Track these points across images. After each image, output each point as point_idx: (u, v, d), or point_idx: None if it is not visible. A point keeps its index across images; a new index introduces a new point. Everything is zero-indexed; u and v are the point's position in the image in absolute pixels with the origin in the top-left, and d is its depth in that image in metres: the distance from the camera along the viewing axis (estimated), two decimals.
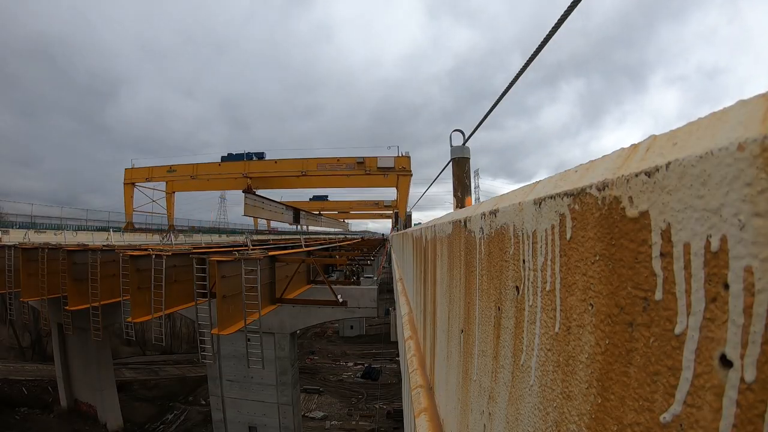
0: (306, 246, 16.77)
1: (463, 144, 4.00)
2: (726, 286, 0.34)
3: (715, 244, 0.35)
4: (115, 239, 22.52)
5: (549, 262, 0.68)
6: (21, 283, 12.59)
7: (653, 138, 0.48)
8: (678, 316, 0.39)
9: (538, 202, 0.70)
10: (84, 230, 24.87)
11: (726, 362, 0.33)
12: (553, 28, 1.70)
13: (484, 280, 1.07)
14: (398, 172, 26.14)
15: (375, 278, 15.32)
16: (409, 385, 2.87)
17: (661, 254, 0.41)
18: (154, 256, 9.48)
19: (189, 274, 9.69)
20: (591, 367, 0.54)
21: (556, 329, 0.65)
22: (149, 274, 9.42)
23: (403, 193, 26.45)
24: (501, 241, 0.92)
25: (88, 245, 13.17)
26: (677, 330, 0.39)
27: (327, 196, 50.24)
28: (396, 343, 19.16)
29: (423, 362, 2.79)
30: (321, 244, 17.84)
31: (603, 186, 0.51)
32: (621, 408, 0.47)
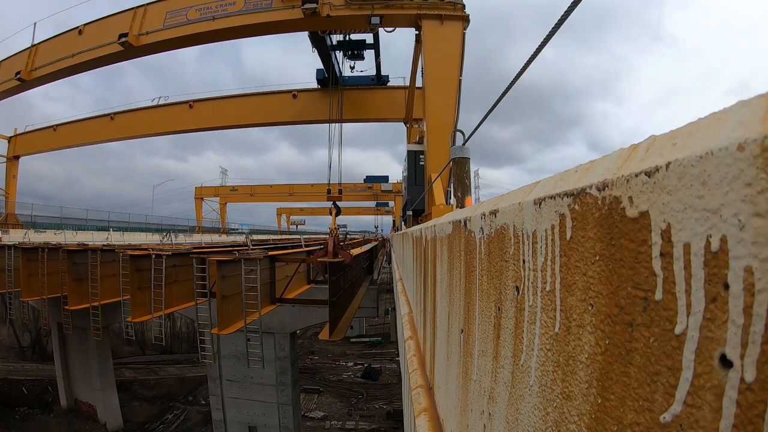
0: (306, 246, 16.78)
1: (463, 144, 4.00)
2: (726, 286, 0.34)
3: (715, 245, 0.35)
4: (115, 239, 22.53)
5: (549, 262, 0.68)
6: (21, 283, 12.60)
7: (653, 138, 0.48)
8: (678, 316, 0.39)
9: (538, 202, 0.70)
10: (84, 230, 24.91)
11: (726, 362, 0.33)
12: (555, 25, 1.69)
13: (484, 280, 1.07)
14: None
15: (375, 278, 15.34)
16: (409, 385, 2.87)
17: (661, 254, 0.41)
18: (154, 256, 9.48)
19: (189, 274, 9.70)
20: (591, 367, 0.54)
21: (556, 329, 0.65)
22: (149, 273, 9.42)
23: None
24: (501, 241, 0.92)
25: (88, 245, 13.15)
26: (677, 330, 0.39)
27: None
28: (396, 342, 19.15)
29: (423, 362, 2.79)
30: (321, 244, 17.89)
31: (603, 186, 0.51)
32: (621, 408, 0.47)
